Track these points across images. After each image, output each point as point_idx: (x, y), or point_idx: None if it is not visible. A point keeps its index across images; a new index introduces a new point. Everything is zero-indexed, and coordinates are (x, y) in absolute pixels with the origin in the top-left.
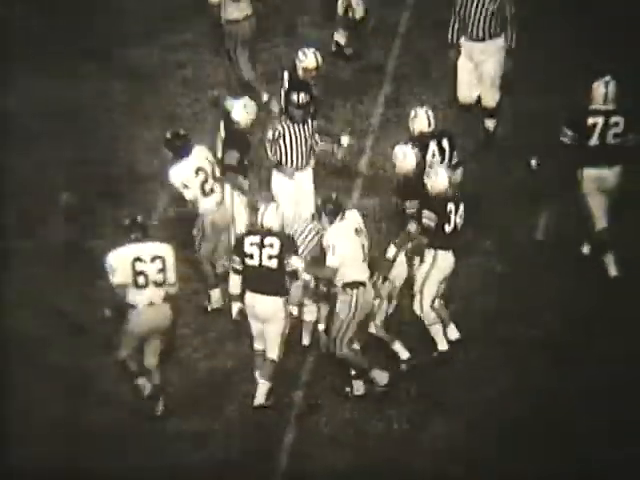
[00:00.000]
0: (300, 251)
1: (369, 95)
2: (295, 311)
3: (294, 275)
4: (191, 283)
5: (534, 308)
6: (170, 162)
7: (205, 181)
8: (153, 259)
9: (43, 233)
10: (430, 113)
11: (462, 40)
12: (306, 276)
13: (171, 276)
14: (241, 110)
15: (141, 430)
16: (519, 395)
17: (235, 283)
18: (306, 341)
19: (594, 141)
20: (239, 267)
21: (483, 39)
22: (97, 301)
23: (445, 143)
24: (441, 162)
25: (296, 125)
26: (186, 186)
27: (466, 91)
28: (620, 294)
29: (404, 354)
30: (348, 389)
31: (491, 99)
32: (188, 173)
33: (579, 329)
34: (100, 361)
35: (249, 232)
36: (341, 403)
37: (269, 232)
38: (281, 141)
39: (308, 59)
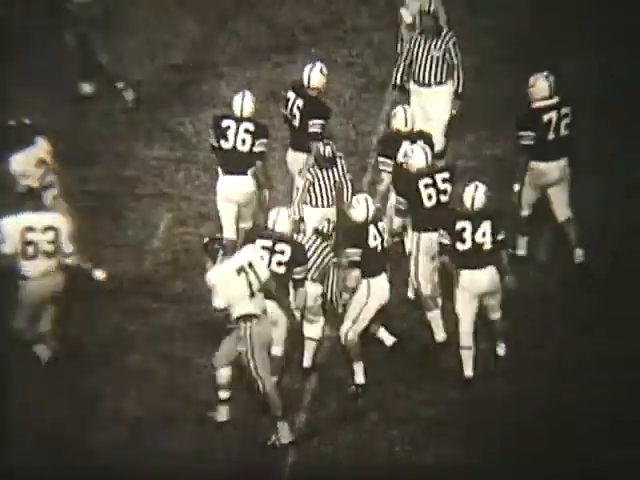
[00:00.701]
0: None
1: (371, 113)
2: (298, 315)
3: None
4: (190, 303)
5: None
6: (12, 151)
7: (45, 174)
8: (45, 229)
9: None
10: (410, 113)
11: (411, 84)
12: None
13: (67, 247)
14: (242, 101)
15: (142, 441)
16: (520, 396)
17: None
18: (307, 363)
19: (551, 135)
20: None
21: (429, 85)
22: None
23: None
24: None
25: (324, 171)
26: (25, 175)
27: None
28: (619, 294)
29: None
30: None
31: (437, 143)
32: (30, 163)
33: (580, 330)
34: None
35: (260, 235)
36: (342, 424)
37: (281, 238)
38: (311, 189)
39: (317, 78)
